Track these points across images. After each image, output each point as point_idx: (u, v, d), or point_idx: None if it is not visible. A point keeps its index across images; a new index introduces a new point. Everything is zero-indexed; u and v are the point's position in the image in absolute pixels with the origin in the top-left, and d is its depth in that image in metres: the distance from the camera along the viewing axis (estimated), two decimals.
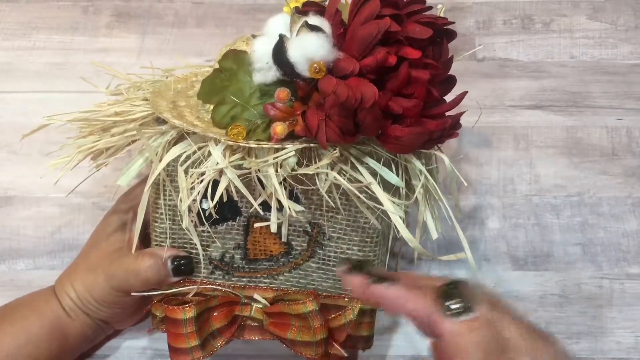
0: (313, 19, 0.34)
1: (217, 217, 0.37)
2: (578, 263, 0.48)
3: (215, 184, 0.36)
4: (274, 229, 0.36)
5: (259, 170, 0.35)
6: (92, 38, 0.56)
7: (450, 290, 0.31)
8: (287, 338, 0.39)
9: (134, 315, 0.44)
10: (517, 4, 0.57)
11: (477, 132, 0.52)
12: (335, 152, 0.34)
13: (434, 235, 0.38)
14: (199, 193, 0.35)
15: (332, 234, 0.39)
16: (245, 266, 0.40)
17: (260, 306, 0.40)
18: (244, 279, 0.40)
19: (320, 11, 0.35)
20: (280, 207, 0.36)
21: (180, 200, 0.36)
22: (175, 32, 0.56)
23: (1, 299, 0.43)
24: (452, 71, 0.56)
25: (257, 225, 0.38)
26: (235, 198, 0.38)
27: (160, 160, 0.36)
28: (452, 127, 0.36)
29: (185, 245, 0.40)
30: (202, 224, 0.38)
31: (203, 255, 0.39)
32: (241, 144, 0.34)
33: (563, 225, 0.49)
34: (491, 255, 0.48)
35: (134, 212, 0.41)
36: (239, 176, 0.35)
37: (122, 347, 0.46)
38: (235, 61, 0.36)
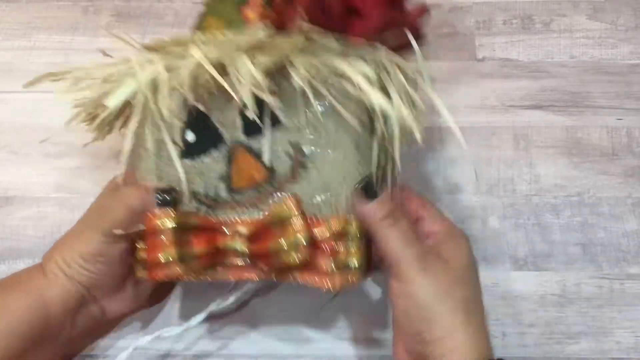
0: None
1: (197, 144, 0.37)
2: (578, 263, 0.48)
3: (196, 112, 0.36)
4: (252, 113, 0.35)
5: (232, 61, 0.35)
6: (92, 38, 0.56)
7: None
8: (269, 251, 0.37)
9: (122, 291, 0.41)
10: (517, 4, 0.57)
11: (477, 132, 0.52)
12: (305, 27, 0.34)
13: (417, 133, 0.37)
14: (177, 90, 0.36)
15: (315, 152, 0.38)
16: (230, 198, 0.39)
17: (245, 232, 0.38)
18: (228, 213, 0.39)
19: None
20: (260, 129, 0.37)
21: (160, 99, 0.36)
22: (175, 32, 0.56)
23: None
24: (452, 71, 0.56)
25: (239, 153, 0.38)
26: (217, 124, 0.38)
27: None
28: (417, 31, 0.36)
29: (172, 183, 0.39)
30: (187, 156, 0.38)
31: (187, 189, 0.38)
32: (216, 36, 0.35)
33: (563, 225, 0.49)
34: (491, 255, 0.48)
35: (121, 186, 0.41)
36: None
37: (122, 347, 0.46)
38: None
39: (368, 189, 0.37)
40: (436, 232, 0.39)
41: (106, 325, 0.43)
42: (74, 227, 0.41)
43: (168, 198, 0.38)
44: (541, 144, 0.52)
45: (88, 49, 0.55)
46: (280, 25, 0.34)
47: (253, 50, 0.35)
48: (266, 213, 0.38)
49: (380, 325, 0.46)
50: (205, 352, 0.45)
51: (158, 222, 0.37)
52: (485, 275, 0.48)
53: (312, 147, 0.38)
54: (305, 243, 0.37)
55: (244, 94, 0.35)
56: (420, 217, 0.40)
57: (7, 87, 0.54)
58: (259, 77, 0.34)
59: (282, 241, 0.37)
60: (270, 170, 0.38)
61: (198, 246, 0.38)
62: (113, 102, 0.37)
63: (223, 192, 0.39)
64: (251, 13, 0.35)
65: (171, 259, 0.37)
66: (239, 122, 0.38)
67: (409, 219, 0.39)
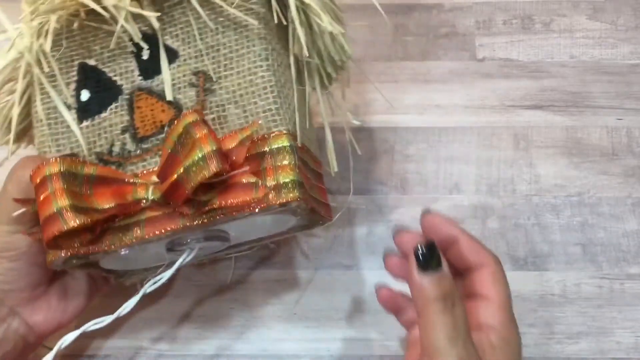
0: None
1: (94, 101, 0.35)
2: (578, 263, 0.48)
3: (86, 68, 0.34)
4: (144, 47, 0.34)
5: None
6: None
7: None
8: (179, 179, 0.31)
9: (45, 297, 0.36)
10: (517, 4, 0.57)
11: (477, 132, 0.52)
12: None
13: (329, 26, 0.35)
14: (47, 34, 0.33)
15: (220, 73, 0.35)
16: (137, 148, 0.36)
17: (157, 180, 0.34)
18: (139, 165, 0.35)
19: None
20: (158, 68, 0.35)
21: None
22: None
23: None
24: (451, 71, 0.56)
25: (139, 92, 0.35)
26: (111, 75, 0.36)
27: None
28: None
29: (73, 149, 0.36)
30: (85, 117, 0.36)
31: (89, 152, 0.36)
32: None
33: (563, 225, 0.49)
34: None
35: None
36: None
37: (122, 347, 0.46)
38: None
39: (428, 256, 0.31)
40: (491, 327, 0.32)
41: (38, 343, 0.37)
42: None
43: None
44: (541, 144, 0.52)
45: None
46: None
47: None
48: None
49: (380, 326, 0.46)
50: (204, 352, 0.45)
51: (45, 169, 0.32)
52: None
53: (215, 69, 0.35)
54: (213, 149, 0.31)
55: (122, 19, 0.33)
56: (475, 272, 0.34)
57: None
58: None
59: (189, 159, 0.31)
60: (176, 107, 0.36)
61: (101, 199, 0.33)
62: None
63: (129, 145, 0.36)
64: None
65: (64, 208, 0.31)
66: (134, 67, 0.36)
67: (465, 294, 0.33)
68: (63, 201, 0.31)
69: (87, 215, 0.32)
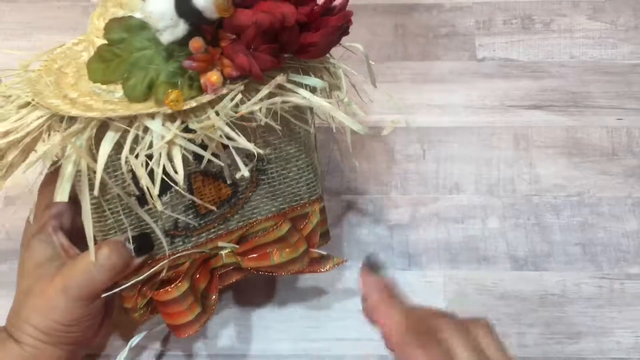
0: None
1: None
2: (578, 263, 0.48)
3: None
4: (245, 172, 0.35)
5: (212, 127, 0.34)
6: None
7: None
8: (271, 264, 0.40)
9: (104, 326, 0.42)
10: (517, 4, 0.58)
11: (477, 132, 0.53)
12: (282, 76, 0.35)
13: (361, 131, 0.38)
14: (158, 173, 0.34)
15: (270, 156, 0.39)
16: (201, 222, 0.40)
17: (228, 250, 0.41)
18: (203, 235, 0.40)
19: None
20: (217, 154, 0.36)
21: (146, 188, 0.34)
22: None
23: (2, 299, 0.43)
24: (451, 71, 0.56)
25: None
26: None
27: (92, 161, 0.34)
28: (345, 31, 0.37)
29: (135, 230, 0.38)
30: (145, 202, 0.37)
31: (159, 231, 0.38)
32: (184, 109, 0.33)
33: (563, 225, 0.49)
34: (491, 255, 0.48)
35: (51, 225, 0.39)
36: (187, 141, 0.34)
37: (122, 347, 0.46)
38: (124, 29, 0.34)
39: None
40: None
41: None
42: (24, 294, 0.38)
43: (145, 244, 0.38)
44: (541, 144, 0.52)
45: None
46: (240, 71, 0.33)
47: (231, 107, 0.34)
48: (245, 229, 0.41)
49: None
50: (204, 352, 0.45)
51: (176, 293, 0.39)
52: (486, 275, 0.48)
53: (268, 151, 0.39)
54: (305, 249, 0.40)
55: (244, 171, 0.35)
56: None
57: None
58: (235, 133, 0.34)
59: (285, 256, 0.40)
60: (233, 185, 0.39)
61: (201, 282, 0.41)
62: (63, 195, 0.34)
63: (192, 220, 0.39)
64: (215, 76, 0.33)
65: (198, 315, 0.40)
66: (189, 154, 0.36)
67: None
68: (197, 310, 0.40)
69: (207, 306, 0.41)
